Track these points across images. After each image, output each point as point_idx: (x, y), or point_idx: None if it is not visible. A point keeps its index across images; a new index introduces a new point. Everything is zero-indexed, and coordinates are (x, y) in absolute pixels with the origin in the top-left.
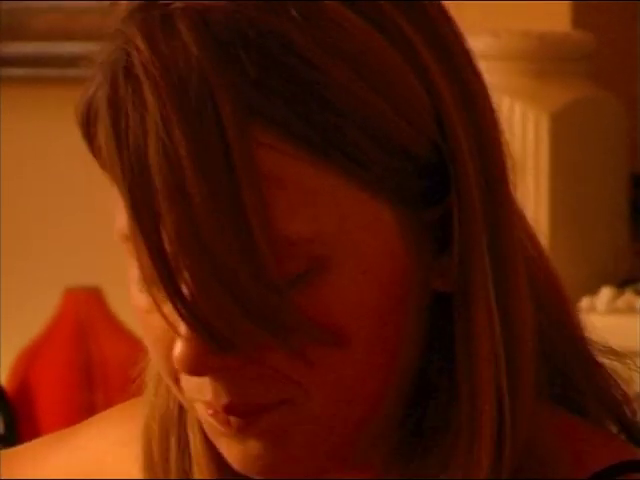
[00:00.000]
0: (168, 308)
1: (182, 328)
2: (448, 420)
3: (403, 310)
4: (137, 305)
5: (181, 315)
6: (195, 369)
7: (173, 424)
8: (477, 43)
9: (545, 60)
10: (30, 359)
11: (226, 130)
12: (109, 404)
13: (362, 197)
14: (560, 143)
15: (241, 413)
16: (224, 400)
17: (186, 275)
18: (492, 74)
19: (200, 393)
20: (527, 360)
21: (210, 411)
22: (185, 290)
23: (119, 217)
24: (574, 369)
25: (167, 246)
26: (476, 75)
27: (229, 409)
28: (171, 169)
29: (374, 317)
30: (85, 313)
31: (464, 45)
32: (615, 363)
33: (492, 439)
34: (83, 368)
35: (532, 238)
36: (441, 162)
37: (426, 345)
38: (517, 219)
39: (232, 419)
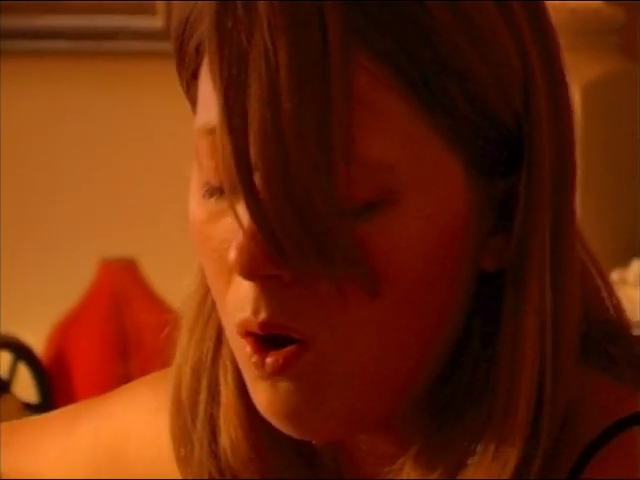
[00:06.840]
0: (234, 212)
1: (246, 225)
2: (483, 391)
3: (452, 272)
4: (195, 218)
5: (250, 211)
6: (249, 269)
7: (205, 368)
8: None
9: (576, 34)
10: (66, 330)
11: (329, 46)
12: (144, 374)
13: (439, 144)
14: (591, 116)
15: (272, 340)
16: (262, 316)
17: (259, 176)
18: None
19: (242, 310)
20: (572, 333)
21: (248, 349)
22: (259, 190)
23: (204, 113)
24: (609, 336)
25: (251, 146)
26: (562, 66)
27: (265, 326)
28: (269, 73)
29: (423, 269)
30: (120, 284)
31: (555, 35)
32: None
33: (529, 413)
34: (118, 338)
35: None
36: (519, 135)
37: (465, 319)
38: None
39: (268, 360)
